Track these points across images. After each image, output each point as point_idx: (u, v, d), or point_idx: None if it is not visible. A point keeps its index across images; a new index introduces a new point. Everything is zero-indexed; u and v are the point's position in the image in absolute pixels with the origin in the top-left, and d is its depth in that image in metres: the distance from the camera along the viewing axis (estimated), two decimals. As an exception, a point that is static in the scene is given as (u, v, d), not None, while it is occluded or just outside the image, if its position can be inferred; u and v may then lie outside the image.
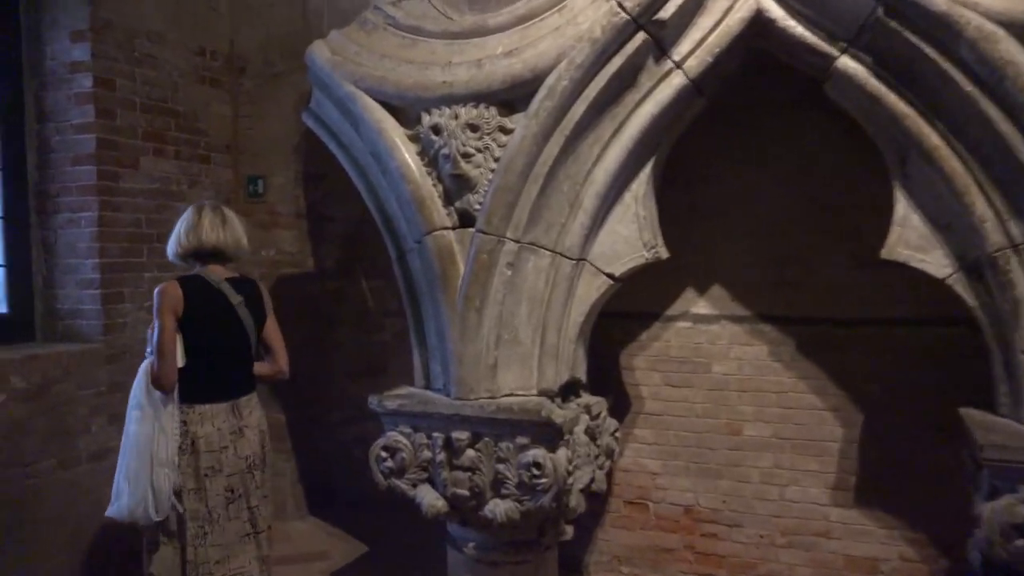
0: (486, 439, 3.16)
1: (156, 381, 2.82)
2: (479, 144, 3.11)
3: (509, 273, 3.16)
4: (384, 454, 3.33)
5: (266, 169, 4.74)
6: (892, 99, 2.72)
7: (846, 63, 2.78)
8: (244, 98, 4.77)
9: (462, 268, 3.21)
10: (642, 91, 3.03)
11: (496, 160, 3.11)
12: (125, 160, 4.07)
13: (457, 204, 3.21)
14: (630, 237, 3.22)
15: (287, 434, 4.83)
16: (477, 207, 3.15)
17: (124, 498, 2.84)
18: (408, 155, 3.25)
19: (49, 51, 3.91)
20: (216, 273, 3.01)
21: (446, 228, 3.23)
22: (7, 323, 3.90)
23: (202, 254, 3.00)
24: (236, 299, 3.00)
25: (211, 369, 2.93)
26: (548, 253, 3.20)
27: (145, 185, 4.18)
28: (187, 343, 2.89)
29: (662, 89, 3.02)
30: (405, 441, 3.31)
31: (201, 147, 4.54)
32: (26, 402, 3.53)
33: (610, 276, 3.27)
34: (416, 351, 3.48)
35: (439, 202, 3.24)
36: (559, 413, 3.08)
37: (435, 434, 3.24)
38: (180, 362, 2.87)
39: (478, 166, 3.12)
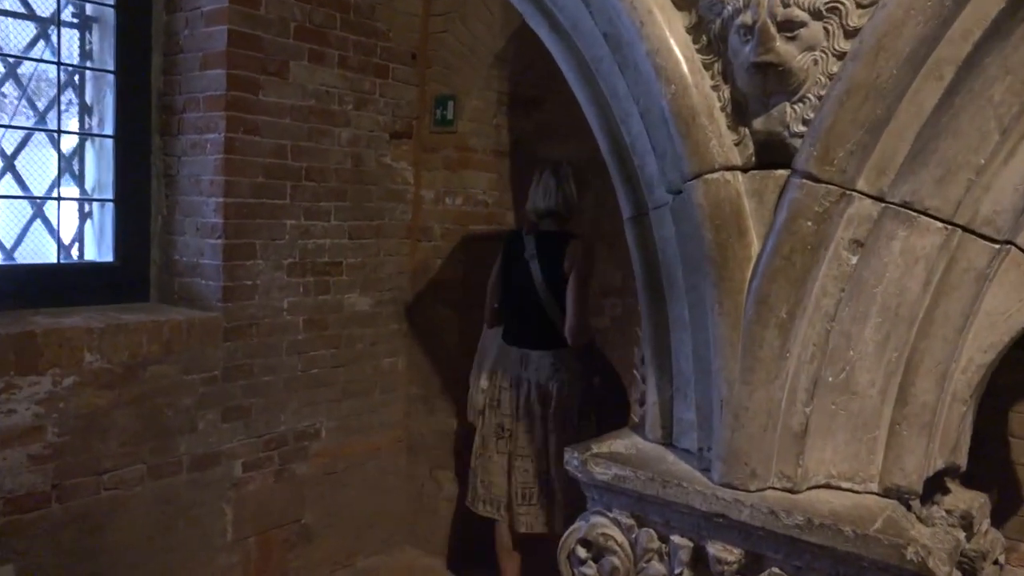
0: (774, 570, 1.68)
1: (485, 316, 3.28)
2: (816, 4, 1.58)
3: (854, 260, 1.64)
4: (583, 552, 1.99)
5: (460, 86, 3.48)
6: None
7: None
8: (438, -11, 3.53)
9: (756, 244, 1.74)
10: None
11: (850, 35, 1.58)
12: (269, 64, 2.99)
13: (756, 124, 1.73)
14: None
15: (461, 447, 3.62)
16: (798, 129, 1.66)
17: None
18: (670, 33, 1.80)
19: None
20: (536, 228, 3.09)
21: (731, 168, 1.76)
22: (114, 277, 2.99)
23: (538, 215, 3.10)
24: (529, 253, 3.03)
25: (507, 315, 3.16)
26: (938, 225, 1.63)
27: (296, 101, 3.10)
28: (499, 289, 3.19)
29: None
30: (620, 538, 1.94)
31: (378, 54, 3.38)
32: (106, 388, 2.55)
33: (1065, 279, 1.61)
34: (651, 377, 2.06)
35: (722, 120, 1.77)
36: (939, 551, 1.53)
37: (675, 538, 1.85)
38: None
39: (809, 47, 1.62)
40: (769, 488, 1.74)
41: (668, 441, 2.04)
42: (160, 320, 2.75)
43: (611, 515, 1.96)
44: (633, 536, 1.92)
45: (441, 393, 3.63)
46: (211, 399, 2.90)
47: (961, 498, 1.94)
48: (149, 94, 3.06)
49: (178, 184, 3.04)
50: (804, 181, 1.61)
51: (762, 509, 1.68)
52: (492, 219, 3.64)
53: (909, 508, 1.74)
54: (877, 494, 1.75)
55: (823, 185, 1.60)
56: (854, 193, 1.61)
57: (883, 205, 1.61)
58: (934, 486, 1.90)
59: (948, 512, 1.86)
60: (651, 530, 1.89)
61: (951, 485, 1.98)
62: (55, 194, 3.02)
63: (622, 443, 2.06)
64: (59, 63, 2.99)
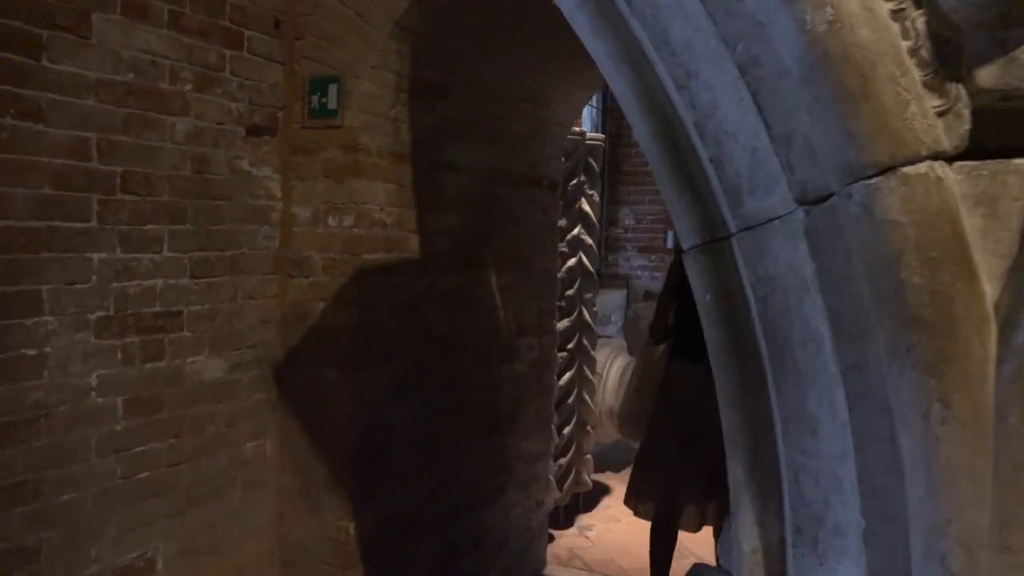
0: None
1: (649, 330, 3.52)
2: None
3: None
4: None
5: (345, 65, 2.57)
6: None
7: None
8: (310, -68, 2.60)
9: (989, 292, 0.95)
10: None
11: None
12: (58, 15, 1.97)
13: (982, 77, 1.00)
14: None
15: (357, 555, 2.66)
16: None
17: None
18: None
19: None
20: None
21: (936, 156, 0.97)
22: None
23: None
24: None
25: (688, 334, 3.27)
26: None
27: (104, 73, 2.10)
28: (677, 307, 3.33)
29: None
30: None
31: (227, 14, 2.43)
32: None
33: None
34: (745, 509, 1.26)
35: (914, 72, 0.99)
36: None
37: None
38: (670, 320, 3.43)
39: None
40: None
41: (771, 608, 1.25)
42: None
43: None
44: None
45: (329, 484, 2.67)
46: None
47: None
48: None
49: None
50: None
51: None
52: (393, 245, 2.74)
53: None
54: None
55: None
56: None
57: None
58: None
59: None
60: None
61: None
62: None
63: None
64: None
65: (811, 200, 1.08)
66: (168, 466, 2.33)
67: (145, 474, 2.26)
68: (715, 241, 1.27)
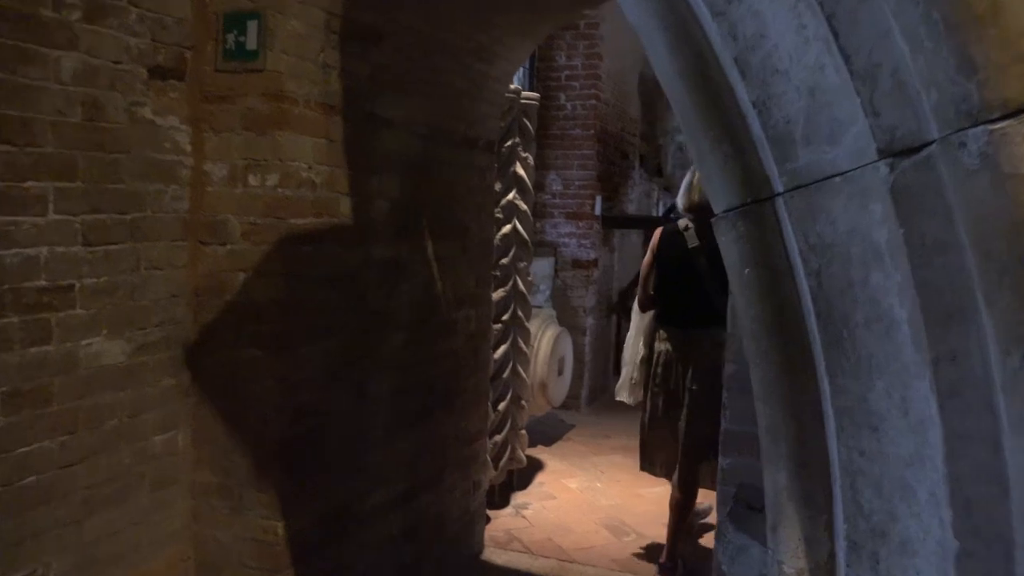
0: None
1: (637, 301, 3.78)
2: None
3: None
4: None
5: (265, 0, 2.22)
6: None
7: None
8: None
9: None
10: None
11: None
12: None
13: None
14: None
15: (287, 557, 2.38)
16: None
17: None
18: None
19: None
20: (695, 220, 3.45)
21: None
22: None
23: (693, 211, 3.44)
24: (693, 244, 3.43)
25: (669, 300, 3.62)
26: None
27: None
28: (657, 278, 3.63)
29: None
30: None
31: (119, -67, 2.01)
32: None
33: None
34: (787, 521, 1.05)
35: None
36: None
37: None
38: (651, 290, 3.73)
39: None
40: None
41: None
42: None
43: None
44: None
45: (253, 479, 2.37)
46: None
47: None
48: None
49: None
50: None
51: None
52: (323, 208, 2.42)
53: None
54: None
55: None
56: None
57: None
58: None
59: None
60: None
61: None
62: None
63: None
64: None
65: (898, 151, 0.88)
66: (60, 467, 1.98)
67: (32, 478, 1.91)
68: (757, 202, 1.06)
